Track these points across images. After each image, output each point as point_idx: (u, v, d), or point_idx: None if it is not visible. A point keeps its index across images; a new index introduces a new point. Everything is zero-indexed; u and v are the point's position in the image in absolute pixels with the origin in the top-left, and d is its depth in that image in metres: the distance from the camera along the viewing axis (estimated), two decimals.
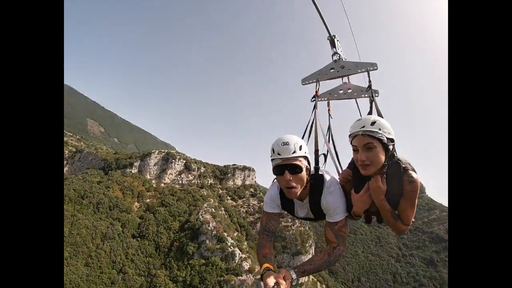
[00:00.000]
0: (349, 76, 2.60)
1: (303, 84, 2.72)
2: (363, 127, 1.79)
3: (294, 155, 1.81)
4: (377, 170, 1.80)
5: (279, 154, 1.82)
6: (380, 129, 1.77)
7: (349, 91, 2.59)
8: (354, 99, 2.71)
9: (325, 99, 2.77)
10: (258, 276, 1.73)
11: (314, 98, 2.57)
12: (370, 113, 2.36)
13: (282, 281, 1.58)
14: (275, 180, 2.04)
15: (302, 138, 2.38)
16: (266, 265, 1.73)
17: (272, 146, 1.87)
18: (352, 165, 1.98)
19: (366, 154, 1.76)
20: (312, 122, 2.47)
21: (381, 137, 1.75)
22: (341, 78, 2.62)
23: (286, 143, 1.83)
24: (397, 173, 1.79)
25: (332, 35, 2.42)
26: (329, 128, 2.77)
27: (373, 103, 2.36)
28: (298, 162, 1.82)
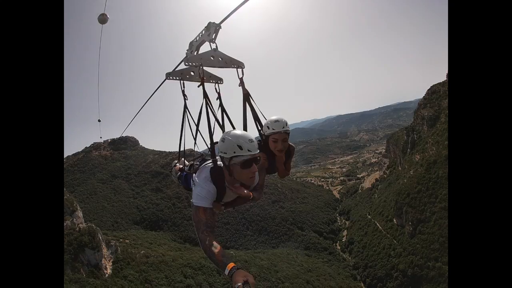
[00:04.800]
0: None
1: (185, 65, 2.56)
2: (283, 127, 2.62)
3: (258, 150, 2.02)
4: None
5: (249, 150, 1.96)
6: (288, 128, 2.66)
7: (220, 59, 2.56)
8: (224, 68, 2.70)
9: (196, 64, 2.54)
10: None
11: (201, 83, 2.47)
12: (245, 106, 2.73)
13: (252, 280, 1.55)
14: (204, 174, 2.08)
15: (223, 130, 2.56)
16: (232, 264, 1.67)
17: (238, 143, 1.96)
18: (263, 148, 2.67)
19: (284, 144, 2.66)
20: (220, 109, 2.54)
21: (289, 133, 2.68)
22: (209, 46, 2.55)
23: (252, 140, 2.02)
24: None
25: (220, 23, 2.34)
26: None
27: (249, 97, 2.72)
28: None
